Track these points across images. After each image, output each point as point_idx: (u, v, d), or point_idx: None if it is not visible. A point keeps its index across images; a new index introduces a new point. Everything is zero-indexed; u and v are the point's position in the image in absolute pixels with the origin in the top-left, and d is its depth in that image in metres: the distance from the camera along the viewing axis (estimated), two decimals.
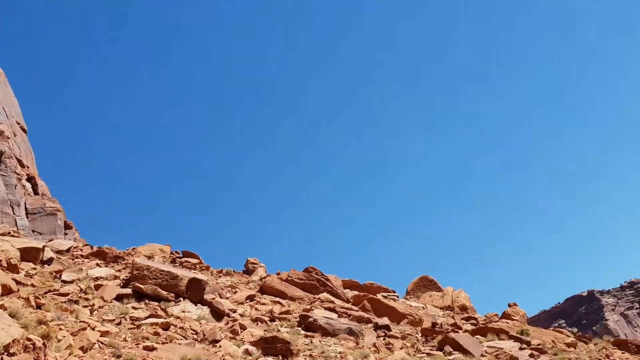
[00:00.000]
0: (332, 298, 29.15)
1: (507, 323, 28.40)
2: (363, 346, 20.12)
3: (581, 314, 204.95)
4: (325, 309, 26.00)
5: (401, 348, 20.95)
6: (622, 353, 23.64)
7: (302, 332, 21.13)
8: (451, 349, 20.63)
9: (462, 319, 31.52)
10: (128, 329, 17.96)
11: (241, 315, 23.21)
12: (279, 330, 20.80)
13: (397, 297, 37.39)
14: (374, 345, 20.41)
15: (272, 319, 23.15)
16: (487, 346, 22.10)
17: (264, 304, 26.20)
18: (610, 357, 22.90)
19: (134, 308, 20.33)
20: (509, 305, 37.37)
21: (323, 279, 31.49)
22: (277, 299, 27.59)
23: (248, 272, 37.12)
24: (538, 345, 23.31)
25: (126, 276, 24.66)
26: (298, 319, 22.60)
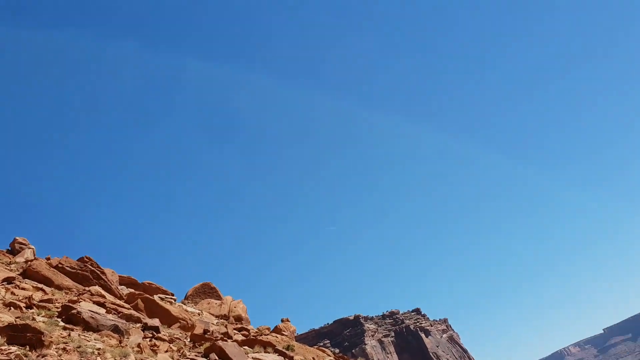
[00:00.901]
0: (103, 292, 27.49)
1: (277, 337, 29.49)
2: (126, 345, 19.21)
3: (346, 336, 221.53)
4: (94, 302, 24.43)
5: (166, 351, 20.45)
6: None
7: (62, 323, 19.49)
8: (216, 357, 20.71)
9: (235, 328, 31.95)
10: None
11: None
12: (34, 319, 18.91)
13: (175, 300, 36.71)
14: (139, 345, 19.61)
15: (30, 306, 21.03)
16: (252, 357, 22.69)
17: (23, 288, 23.75)
18: None
19: None
20: (282, 321, 39.06)
21: (98, 272, 29.60)
22: (40, 286, 25.20)
23: (13, 252, 33.46)
24: None
25: None
26: (60, 310, 20.83)
